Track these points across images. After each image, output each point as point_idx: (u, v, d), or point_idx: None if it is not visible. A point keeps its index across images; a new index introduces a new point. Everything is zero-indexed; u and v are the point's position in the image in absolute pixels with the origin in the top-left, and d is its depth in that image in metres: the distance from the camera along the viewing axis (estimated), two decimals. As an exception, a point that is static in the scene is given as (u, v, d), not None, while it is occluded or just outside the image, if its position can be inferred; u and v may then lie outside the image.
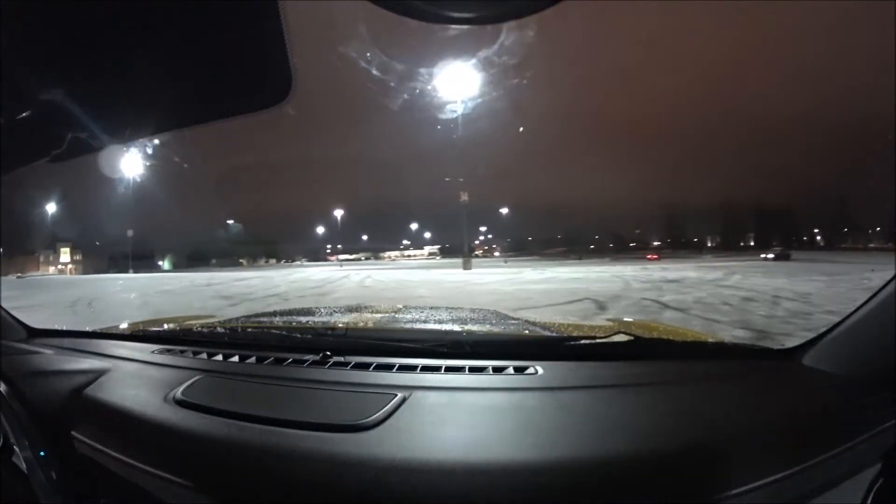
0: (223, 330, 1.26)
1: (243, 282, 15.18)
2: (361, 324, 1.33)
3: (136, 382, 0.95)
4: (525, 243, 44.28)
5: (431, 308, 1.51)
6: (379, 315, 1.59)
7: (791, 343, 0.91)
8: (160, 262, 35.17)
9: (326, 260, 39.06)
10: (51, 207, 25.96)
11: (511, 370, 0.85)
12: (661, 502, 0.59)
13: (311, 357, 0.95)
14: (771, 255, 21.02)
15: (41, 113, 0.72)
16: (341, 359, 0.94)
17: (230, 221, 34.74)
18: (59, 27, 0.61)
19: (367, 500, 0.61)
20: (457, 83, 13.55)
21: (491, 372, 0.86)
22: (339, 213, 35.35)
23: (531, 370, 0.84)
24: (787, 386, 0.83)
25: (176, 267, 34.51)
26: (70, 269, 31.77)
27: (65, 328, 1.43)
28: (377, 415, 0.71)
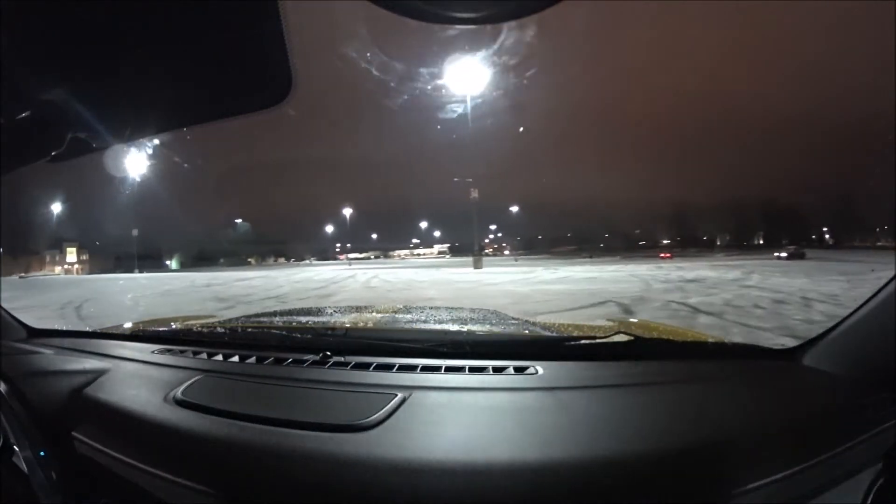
0: (223, 330, 1.26)
1: (245, 282, 15.00)
2: (361, 324, 1.33)
3: (136, 382, 0.95)
4: (534, 242, 44.52)
5: (431, 308, 1.51)
6: (379, 315, 1.59)
7: (791, 343, 0.91)
8: (168, 262, 35.13)
9: (336, 259, 39.18)
10: (56, 207, 26.00)
11: (511, 370, 0.85)
12: (661, 502, 0.59)
13: (311, 357, 0.95)
14: (784, 254, 20.74)
15: (41, 113, 0.72)
16: (341, 359, 0.94)
17: (238, 220, 34.81)
18: (59, 27, 0.61)
19: (367, 500, 0.61)
20: (464, 82, 13.54)
21: (491, 372, 0.86)
22: (348, 211, 35.51)
23: (531, 370, 0.84)
24: (787, 386, 0.83)
25: (183, 266, 34.44)
26: (77, 269, 31.77)
27: (65, 328, 1.43)
28: (377, 415, 0.71)
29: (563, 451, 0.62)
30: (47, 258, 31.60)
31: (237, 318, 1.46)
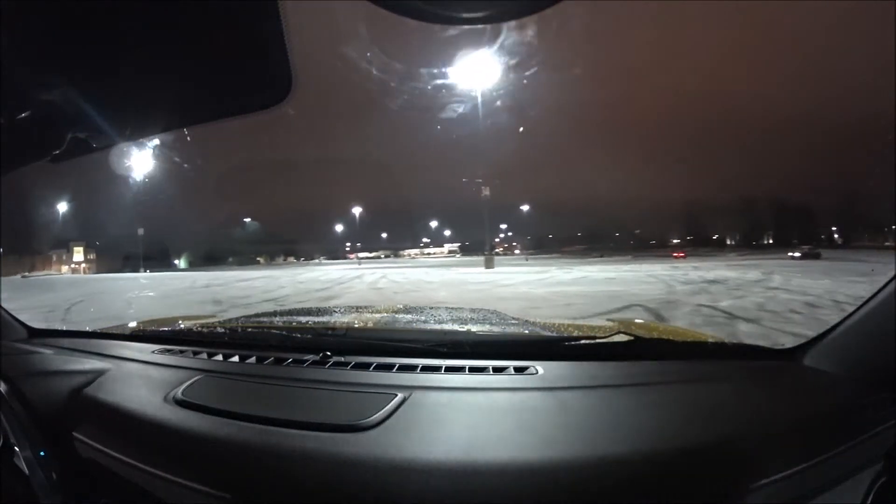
0: (223, 330, 1.26)
1: (246, 283, 14.80)
2: (361, 324, 1.33)
3: (136, 382, 0.95)
4: (545, 241, 44.33)
5: (431, 308, 1.51)
6: (379, 315, 1.59)
7: (791, 343, 0.91)
8: (176, 261, 34.94)
9: (346, 258, 39.10)
10: (63, 207, 26.00)
11: (511, 370, 0.85)
12: (661, 502, 0.59)
13: (311, 357, 0.95)
14: (797, 254, 20.36)
15: (41, 113, 0.72)
16: (341, 359, 0.94)
17: (247, 219, 34.76)
18: (59, 27, 0.61)
19: (367, 500, 0.61)
20: (472, 81, 13.57)
21: (491, 372, 0.86)
22: (357, 211, 35.40)
23: (531, 370, 0.84)
24: (787, 386, 0.83)
25: (192, 265, 34.29)
26: (84, 269, 31.75)
27: (65, 328, 1.43)
28: (377, 415, 0.71)
29: (563, 451, 0.62)
30: (53, 257, 31.59)
31: (237, 318, 1.46)
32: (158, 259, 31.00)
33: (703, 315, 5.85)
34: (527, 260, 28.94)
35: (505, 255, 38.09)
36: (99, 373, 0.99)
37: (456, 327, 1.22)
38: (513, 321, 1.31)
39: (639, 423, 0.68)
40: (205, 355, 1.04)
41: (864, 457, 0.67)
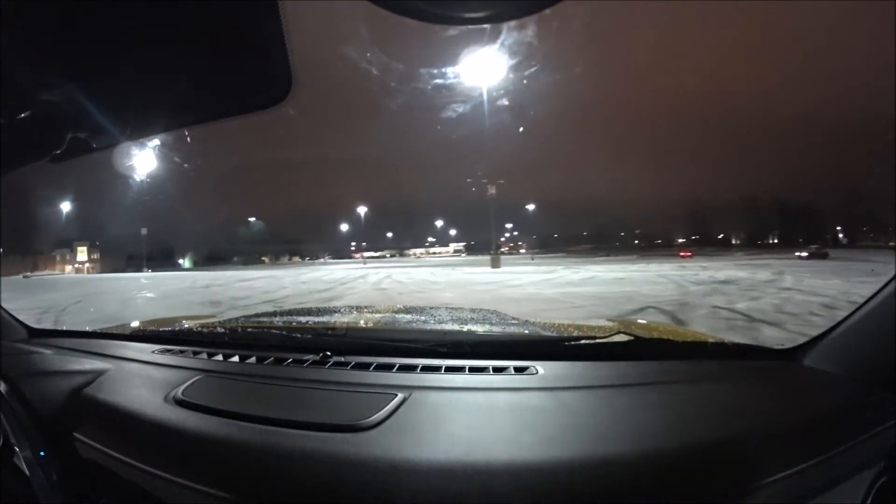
0: (223, 330, 1.26)
1: (247, 283, 14.72)
2: (361, 324, 1.33)
3: (136, 382, 0.95)
4: (550, 240, 44.43)
5: (431, 308, 1.51)
6: (379, 315, 1.59)
7: (791, 343, 0.91)
8: (180, 261, 34.92)
9: (351, 257, 39.22)
10: (67, 207, 26.05)
11: (511, 370, 0.85)
12: (661, 502, 0.59)
13: (311, 357, 0.95)
14: (805, 254, 20.05)
15: (41, 113, 0.72)
16: (341, 359, 0.94)
17: (252, 219, 34.75)
18: (59, 27, 0.61)
19: (367, 500, 0.61)
20: (474, 81, 13.45)
21: (491, 372, 0.85)
22: (363, 210, 35.44)
23: (531, 370, 0.84)
24: (787, 386, 0.83)
25: (196, 265, 34.24)
26: (87, 268, 31.77)
27: (65, 328, 1.43)
28: (377, 415, 0.71)
29: (563, 451, 0.62)
30: (57, 257, 31.62)
31: (237, 319, 1.47)
32: (163, 259, 31.02)
33: (721, 318, 5.58)
34: (532, 259, 28.83)
35: (510, 254, 38.05)
36: (99, 373, 0.99)
37: (456, 327, 1.22)
38: (513, 321, 1.31)
39: (639, 423, 0.68)
40: (205, 355, 1.04)
41: (864, 457, 0.67)
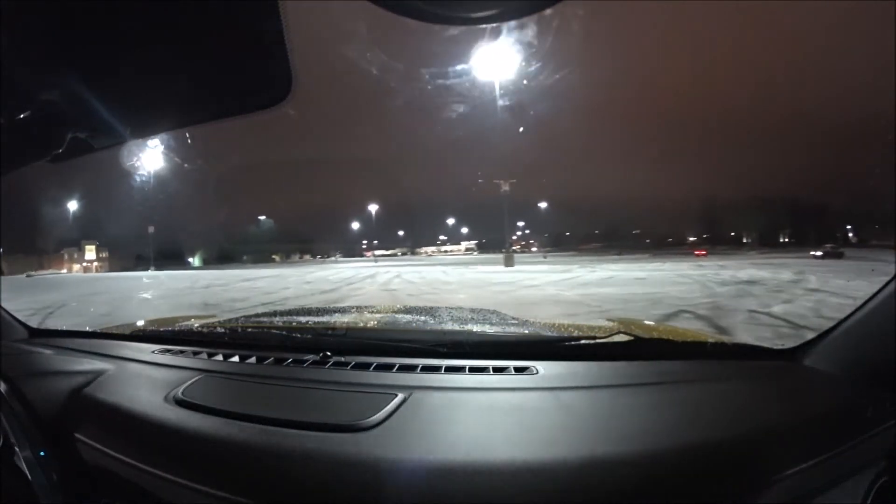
0: (223, 330, 1.26)
1: (249, 283, 14.42)
2: (361, 324, 1.33)
3: (136, 382, 0.95)
4: (562, 238, 44.36)
5: (431, 308, 1.51)
6: (379, 315, 1.59)
7: (791, 343, 0.91)
8: (190, 259, 34.69)
9: (362, 256, 39.25)
10: (74, 205, 26.08)
11: (511, 370, 0.85)
12: (661, 502, 0.59)
13: (311, 357, 0.95)
14: (820, 253, 19.92)
15: (41, 113, 0.72)
16: (341, 359, 0.94)
17: (262, 217, 34.66)
18: (59, 27, 0.61)
19: (367, 500, 0.61)
20: (485, 80, 13.32)
21: (491, 372, 0.86)
22: (374, 208, 35.47)
23: (531, 370, 0.85)
24: (787, 386, 0.83)
25: (206, 264, 34.03)
26: (95, 267, 31.69)
27: (65, 328, 1.43)
28: (377, 415, 0.71)
29: (563, 451, 0.62)
30: (65, 256, 31.55)
31: (237, 319, 1.47)
32: (172, 257, 30.88)
33: (765, 324, 5.04)
34: (545, 258, 28.67)
35: (523, 252, 37.90)
36: (99, 373, 0.99)
37: (456, 327, 1.22)
38: (513, 321, 1.31)
39: (639, 423, 0.68)
40: (205, 355, 1.04)
41: (864, 457, 0.67)
